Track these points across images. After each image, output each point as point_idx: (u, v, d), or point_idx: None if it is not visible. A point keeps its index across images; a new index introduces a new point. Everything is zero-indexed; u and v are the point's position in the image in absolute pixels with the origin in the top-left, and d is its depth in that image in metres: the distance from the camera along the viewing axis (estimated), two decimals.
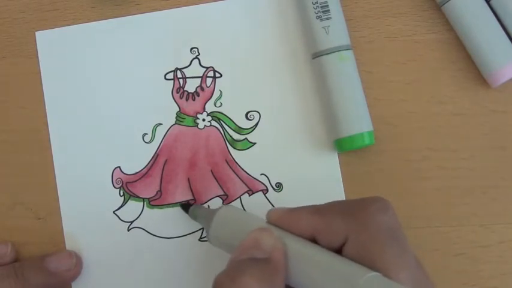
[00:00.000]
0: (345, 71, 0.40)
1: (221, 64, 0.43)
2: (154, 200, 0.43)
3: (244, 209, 0.42)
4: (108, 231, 0.43)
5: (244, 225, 0.34)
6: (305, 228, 0.32)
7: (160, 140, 0.43)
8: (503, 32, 0.40)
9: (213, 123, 0.43)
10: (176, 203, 0.43)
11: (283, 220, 0.33)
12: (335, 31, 0.40)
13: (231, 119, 0.43)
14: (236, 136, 0.43)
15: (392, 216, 0.31)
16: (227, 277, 0.30)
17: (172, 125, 0.43)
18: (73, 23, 0.44)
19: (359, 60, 0.42)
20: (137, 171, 0.43)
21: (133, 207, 0.43)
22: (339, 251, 0.31)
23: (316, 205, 0.33)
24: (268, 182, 0.42)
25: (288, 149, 0.42)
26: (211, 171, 0.43)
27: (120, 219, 0.43)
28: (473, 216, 0.41)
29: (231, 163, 0.43)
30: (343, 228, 0.31)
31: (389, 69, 0.42)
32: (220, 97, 0.43)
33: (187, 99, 0.43)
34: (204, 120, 0.43)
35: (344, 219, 0.31)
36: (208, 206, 0.42)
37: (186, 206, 0.41)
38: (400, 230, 0.31)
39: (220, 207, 0.36)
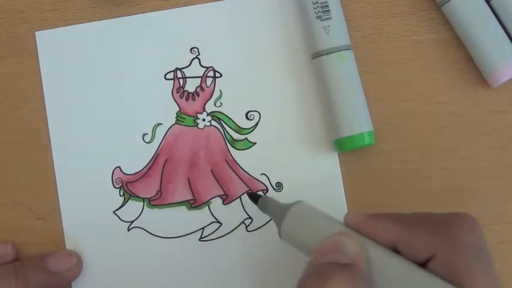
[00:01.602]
0: (345, 71, 0.40)
1: (221, 64, 0.43)
2: (154, 200, 0.43)
3: (244, 208, 0.42)
4: (108, 231, 0.43)
5: (321, 225, 0.33)
6: (387, 237, 0.32)
7: (161, 140, 0.43)
8: (503, 32, 0.40)
9: (213, 123, 0.43)
10: (176, 202, 0.43)
11: (364, 226, 0.33)
12: (335, 31, 0.40)
13: (231, 119, 0.43)
14: (236, 136, 0.43)
15: (479, 235, 0.31)
16: (314, 280, 0.30)
17: (172, 125, 0.43)
18: (73, 23, 0.44)
19: (359, 60, 0.42)
20: (137, 171, 0.43)
21: (134, 207, 0.43)
22: (421, 264, 0.31)
23: (399, 214, 0.33)
24: (268, 182, 0.42)
25: (288, 149, 0.42)
26: (211, 171, 0.43)
27: (120, 219, 0.43)
28: None
29: (231, 163, 0.43)
30: (430, 244, 0.31)
31: (389, 69, 0.42)
32: (220, 97, 0.43)
33: (187, 99, 0.43)
34: (204, 120, 0.43)
35: (432, 236, 0.31)
36: (208, 206, 0.42)
37: (254, 196, 0.38)
38: (486, 248, 0.31)
39: (294, 203, 0.35)
